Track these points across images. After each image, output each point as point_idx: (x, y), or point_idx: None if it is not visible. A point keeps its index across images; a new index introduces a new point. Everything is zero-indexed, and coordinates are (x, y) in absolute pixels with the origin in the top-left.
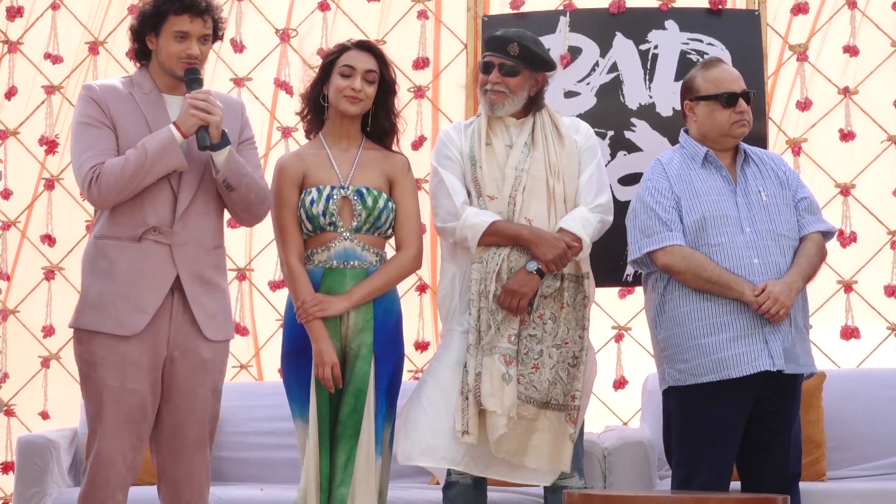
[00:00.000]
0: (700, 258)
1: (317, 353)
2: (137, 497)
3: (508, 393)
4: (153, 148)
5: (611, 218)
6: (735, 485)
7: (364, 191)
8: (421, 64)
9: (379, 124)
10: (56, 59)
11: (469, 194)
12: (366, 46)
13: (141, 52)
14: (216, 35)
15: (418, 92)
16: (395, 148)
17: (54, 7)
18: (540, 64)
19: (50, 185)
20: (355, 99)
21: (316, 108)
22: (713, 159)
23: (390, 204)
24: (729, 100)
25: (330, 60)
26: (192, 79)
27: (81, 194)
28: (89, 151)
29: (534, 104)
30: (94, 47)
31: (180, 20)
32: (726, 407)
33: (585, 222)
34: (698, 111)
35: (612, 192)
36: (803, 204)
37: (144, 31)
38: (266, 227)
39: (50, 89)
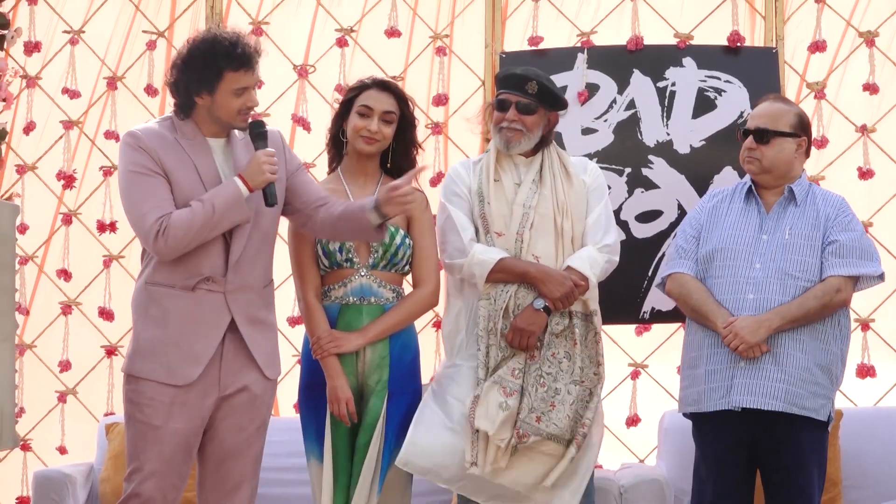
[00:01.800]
0: (692, 286)
1: (331, 390)
2: None
3: (502, 418)
4: (221, 203)
5: (617, 258)
6: None
7: None
8: (439, 100)
9: (398, 161)
10: (74, 94)
11: (476, 230)
12: (385, 86)
13: (185, 107)
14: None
15: (436, 128)
16: (413, 184)
17: (73, 42)
18: (555, 103)
19: (67, 219)
20: (371, 140)
21: (336, 144)
22: (755, 194)
23: (407, 240)
24: (743, 134)
25: (349, 98)
26: (259, 132)
27: (146, 244)
28: (150, 202)
29: (544, 142)
30: (111, 82)
31: (238, 77)
32: (712, 440)
33: (593, 262)
34: None
35: (630, 228)
36: (832, 247)
37: (196, 90)
38: (283, 262)
39: (68, 124)
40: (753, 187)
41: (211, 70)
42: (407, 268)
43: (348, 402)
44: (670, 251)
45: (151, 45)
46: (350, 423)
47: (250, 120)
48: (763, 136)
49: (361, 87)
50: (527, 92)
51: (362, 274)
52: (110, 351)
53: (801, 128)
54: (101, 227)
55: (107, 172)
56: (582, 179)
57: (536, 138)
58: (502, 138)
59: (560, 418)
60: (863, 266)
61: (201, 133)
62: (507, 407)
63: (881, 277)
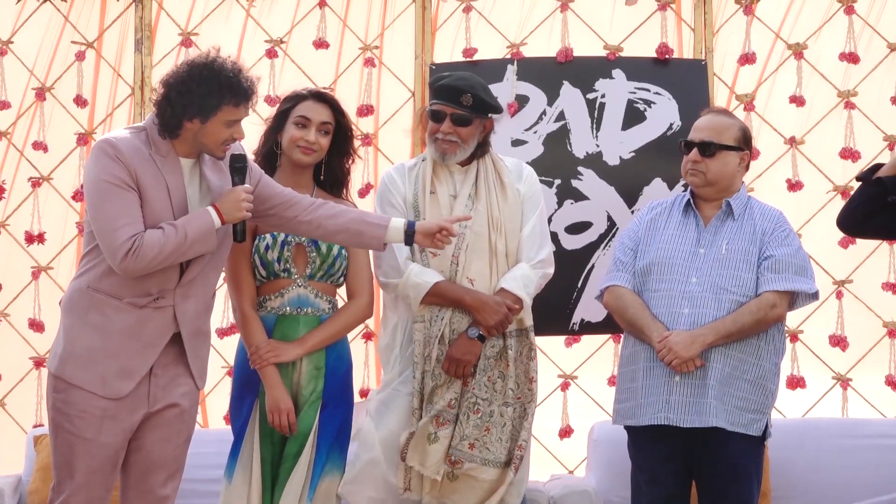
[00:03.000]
0: (628, 299)
1: (272, 400)
2: None
3: (432, 452)
4: (193, 232)
5: (551, 270)
6: None
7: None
8: (365, 111)
9: (333, 173)
10: (2, 105)
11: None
12: (321, 97)
13: (171, 129)
14: None
15: (365, 139)
16: (345, 196)
17: (1, 53)
18: (490, 110)
19: None
20: (309, 150)
21: (268, 156)
22: (693, 207)
23: (343, 252)
24: (685, 146)
25: (284, 109)
26: (241, 167)
27: (112, 260)
28: (124, 218)
29: (479, 149)
30: (40, 93)
31: (236, 111)
32: (648, 454)
33: (527, 280)
34: None
35: (560, 240)
36: (768, 262)
37: (188, 115)
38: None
39: None
40: (692, 201)
41: (212, 99)
42: (342, 279)
43: (289, 412)
44: (608, 263)
45: (80, 56)
46: (290, 433)
47: (232, 153)
48: (708, 148)
49: (297, 98)
50: (461, 104)
51: (299, 284)
52: (39, 362)
53: (745, 141)
54: (30, 239)
55: (35, 183)
56: (517, 189)
57: (472, 148)
58: (437, 149)
59: (493, 442)
60: (798, 282)
61: (175, 152)
62: (437, 438)
63: (815, 296)
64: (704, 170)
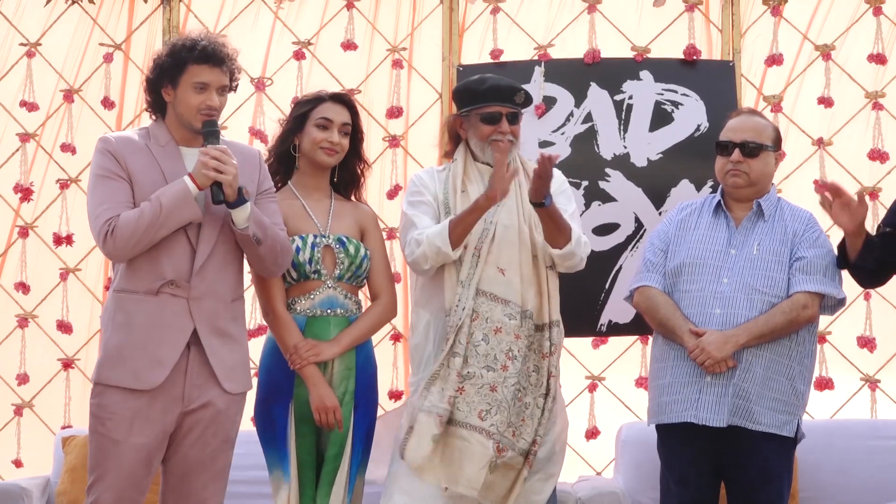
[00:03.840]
0: (659, 300)
1: (318, 398)
2: None
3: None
4: (168, 200)
5: (587, 252)
6: None
7: (345, 239)
8: (395, 113)
9: (348, 175)
10: (31, 107)
11: None
12: (340, 99)
13: (156, 105)
14: (232, 86)
15: (393, 141)
16: (357, 199)
17: (29, 55)
18: (527, 106)
19: (24, 232)
20: (332, 151)
21: (282, 157)
22: (724, 208)
23: (367, 252)
24: (724, 148)
25: (304, 112)
26: (209, 132)
27: (99, 246)
28: (105, 204)
29: None
30: (68, 95)
31: (200, 70)
32: (677, 454)
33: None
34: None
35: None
36: (799, 263)
37: (161, 83)
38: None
39: (25, 137)
40: (723, 201)
41: (175, 61)
42: (364, 280)
43: (336, 409)
44: (638, 264)
45: (108, 58)
46: (339, 430)
47: (205, 120)
48: (751, 149)
49: (317, 101)
50: (515, 102)
51: (329, 286)
52: (67, 364)
53: (778, 142)
54: (58, 241)
55: (63, 185)
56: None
57: (521, 145)
58: (496, 150)
59: (528, 433)
60: (828, 286)
61: (174, 140)
62: (439, 440)
63: (842, 302)
64: (747, 170)
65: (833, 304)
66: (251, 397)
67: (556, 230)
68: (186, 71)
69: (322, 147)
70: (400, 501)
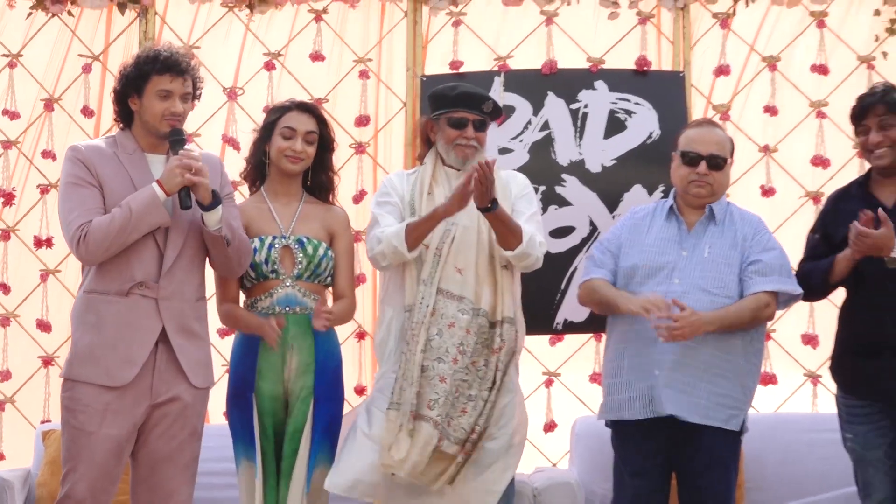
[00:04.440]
0: (598, 284)
1: (258, 327)
2: None
3: (409, 445)
4: (137, 206)
5: (542, 252)
6: None
7: (304, 240)
8: (363, 121)
9: (319, 180)
10: (12, 115)
11: None
12: (305, 107)
13: (124, 115)
14: (195, 94)
15: (359, 148)
16: (332, 201)
17: (11, 65)
18: (496, 116)
19: (6, 235)
20: (296, 159)
21: (258, 165)
22: (676, 212)
23: (330, 253)
24: (690, 160)
25: (271, 121)
26: (175, 139)
27: (72, 251)
28: (77, 210)
29: None
30: (49, 104)
31: (163, 79)
32: (632, 447)
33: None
34: (673, 164)
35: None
36: (754, 266)
37: (128, 94)
38: (211, 279)
39: (7, 144)
40: (675, 206)
41: (139, 72)
42: (329, 279)
43: (269, 323)
44: (585, 264)
45: (87, 69)
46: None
47: (171, 128)
48: (717, 163)
49: (282, 110)
50: (482, 110)
51: (288, 284)
52: (47, 361)
53: (732, 152)
54: (38, 243)
55: (44, 190)
56: (509, 188)
57: (485, 151)
58: (459, 154)
59: (466, 423)
60: (786, 284)
61: (140, 148)
62: (413, 432)
63: (800, 296)
64: (712, 182)
65: (786, 300)
66: (224, 393)
67: (507, 232)
68: (150, 81)
69: (286, 155)
70: (346, 470)
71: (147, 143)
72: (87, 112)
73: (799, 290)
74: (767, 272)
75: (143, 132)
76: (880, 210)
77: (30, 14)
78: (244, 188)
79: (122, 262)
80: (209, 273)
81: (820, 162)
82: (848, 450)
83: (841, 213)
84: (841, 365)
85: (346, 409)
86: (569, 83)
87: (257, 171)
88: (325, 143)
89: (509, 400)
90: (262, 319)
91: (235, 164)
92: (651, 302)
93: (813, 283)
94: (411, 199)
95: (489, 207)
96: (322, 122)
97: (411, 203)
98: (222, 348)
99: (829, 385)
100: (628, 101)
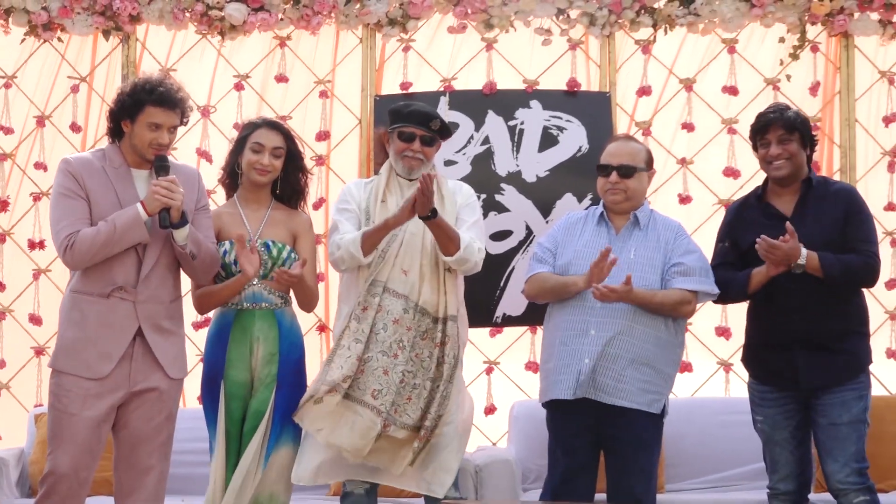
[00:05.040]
0: (545, 275)
1: (236, 280)
2: None
3: (359, 434)
4: (122, 224)
5: (481, 258)
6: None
7: (270, 243)
8: (322, 136)
9: (286, 188)
10: (7, 130)
11: None
12: (273, 125)
13: (115, 131)
14: (182, 122)
15: (319, 160)
16: (301, 207)
17: (6, 86)
18: (447, 135)
19: (1, 238)
20: (264, 171)
21: (231, 175)
22: (606, 218)
23: (293, 255)
24: (603, 170)
25: (243, 136)
26: (160, 166)
27: (59, 257)
28: (65, 220)
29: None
30: (40, 120)
31: (156, 112)
32: (563, 426)
33: (469, 239)
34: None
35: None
36: (677, 268)
37: (122, 116)
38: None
39: (2, 156)
40: (605, 213)
41: (135, 100)
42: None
43: (241, 241)
44: (528, 262)
45: (75, 89)
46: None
47: (157, 154)
48: (626, 171)
49: (253, 127)
50: (430, 128)
51: (254, 283)
52: (38, 351)
53: (650, 162)
54: (32, 245)
55: (36, 198)
56: (455, 200)
57: (431, 164)
58: (405, 165)
59: (414, 410)
60: (705, 284)
61: (126, 163)
62: (320, 401)
63: (715, 296)
64: (624, 188)
65: (706, 297)
66: (198, 380)
67: (446, 239)
68: (143, 111)
69: (255, 168)
70: (308, 460)
71: (133, 159)
72: (74, 128)
73: (716, 291)
74: (689, 273)
75: (130, 150)
76: (788, 223)
77: (23, 40)
78: (218, 197)
79: (105, 267)
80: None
81: (731, 173)
82: (758, 431)
83: (745, 221)
84: (754, 356)
85: None
86: (507, 102)
87: (231, 180)
88: (291, 156)
89: (460, 389)
90: (250, 270)
91: (208, 175)
92: (594, 265)
93: (731, 294)
94: (367, 206)
95: (429, 216)
96: (289, 139)
97: (367, 210)
98: (197, 340)
99: (740, 373)
100: (560, 118)
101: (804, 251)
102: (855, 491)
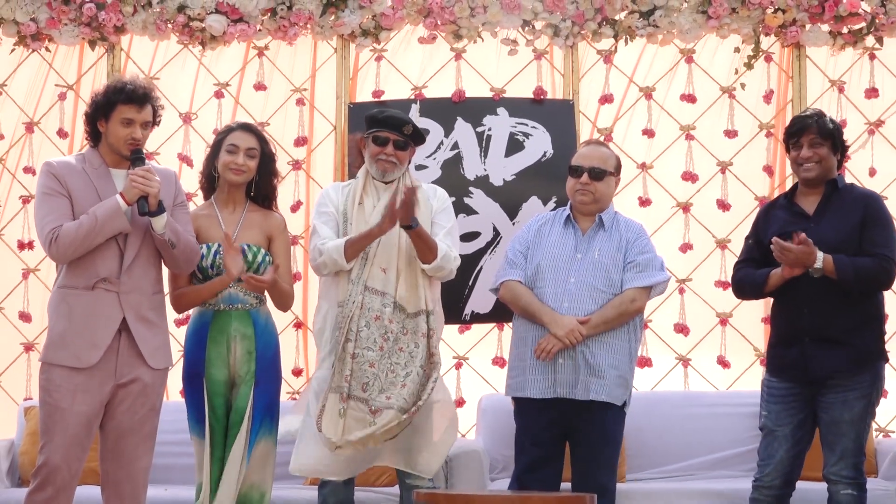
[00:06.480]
0: (521, 291)
1: (220, 281)
2: (84, 497)
3: (343, 424)
4: (102, 214)
5: (456, 265)
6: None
7: (246, 247)
8: (300, 142)
9: (260, 190)
10: None
11: None
12: (247, 128)
13: (93, 134)
14: (155, 121)
15: (296, 165)
16: (274, 208)
17: None
18: (420, 140)
19: None
20: (239, 171)
21: (209, 178)
22: (572, 220)
23: (268, 258)
24: (574, 171)
25: (219, 139)
26: (135, 158)
27: (45, 251)
28: (49, 216)
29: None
30: (29, 126)
31: (126, 109)
32: (532, 420)
33: (446, 248)
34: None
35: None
36: (631, 265)
37: (97, 117)
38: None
39: None
40: (571, 214)
41: (107, 101)
42: None
43: (227, 241)
44: (501, 263)
45: (62, 97)
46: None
47: (133, 148)
48: (597, 174)
49: (228, 130)
50: (403, 133)
51: (231, 285)
52: (28, 347)
53: (618, 168)
54: (21, 246)
55: (25, 200)
56: (430, 203)
57: (405, 168)
58: (379, 168)
59: (410, 394)
60: (654, 277)
61: (105, 164)
62: (344, 413)
63: (668, 282)
64: (594, 190)
65: (661, 287)
66: (180, 375)
67: (425, 248)
68: (116, 109)
69: (230, 168)
70: (307, 456)
71: (111, 159)
72: (62, 134)
73: (667, 277)
74: (640, 270)
75: (108, 151)
76: (803, 235)
77: (13, 50)
78: (198, 199)
79: (89, 260)
80: (166, 271)
81: (689, 177)
82: (761, 425)
83: (771, 219)
84: (772, 352)
85: (285, 387)
86: (475, 110)
87: (209, 184)
88: (264, 158)
89: (439, 375)
90: (230, 274)
91: (189, 178)
92: (572, 333)
93: (746, 291)
94: (345, 208)
95: (410, 226)
96: (262, 140)
97: (345, 212)
98: (179, 336)
99: (697, 367)
100: (526, 125)
101: (820, 255)
102: (845, 484)
